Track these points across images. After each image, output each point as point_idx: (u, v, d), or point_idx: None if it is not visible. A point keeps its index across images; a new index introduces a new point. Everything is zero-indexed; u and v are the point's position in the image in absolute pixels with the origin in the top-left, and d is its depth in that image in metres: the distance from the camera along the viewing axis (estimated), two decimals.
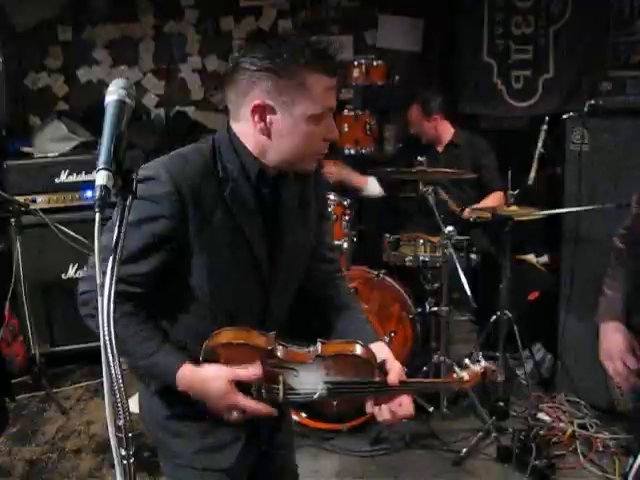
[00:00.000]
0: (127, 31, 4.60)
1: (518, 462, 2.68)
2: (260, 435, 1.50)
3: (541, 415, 3.04)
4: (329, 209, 3.17)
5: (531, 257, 3.96)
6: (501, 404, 2.94)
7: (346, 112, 3.83)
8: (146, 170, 1.27)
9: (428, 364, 3.08)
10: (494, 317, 3.06)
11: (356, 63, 3.88)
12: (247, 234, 1.34)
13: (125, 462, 0.91)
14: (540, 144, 2.98)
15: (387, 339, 2.90)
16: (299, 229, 1.45)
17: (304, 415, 2.88)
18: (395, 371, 1.40)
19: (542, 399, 3.18)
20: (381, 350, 1.44)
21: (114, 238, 0.91)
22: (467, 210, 3.28)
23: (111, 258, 0.89)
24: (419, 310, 3.28)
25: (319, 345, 1.36)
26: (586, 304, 2.77)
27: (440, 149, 3.68)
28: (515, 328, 3.01)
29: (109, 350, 0.86)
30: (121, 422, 0.89)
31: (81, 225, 3.27)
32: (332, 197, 3.22)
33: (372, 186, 3.68)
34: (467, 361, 1.48)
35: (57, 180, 3.64)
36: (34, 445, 3.02)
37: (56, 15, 4.47)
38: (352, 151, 3.81)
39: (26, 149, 3.90)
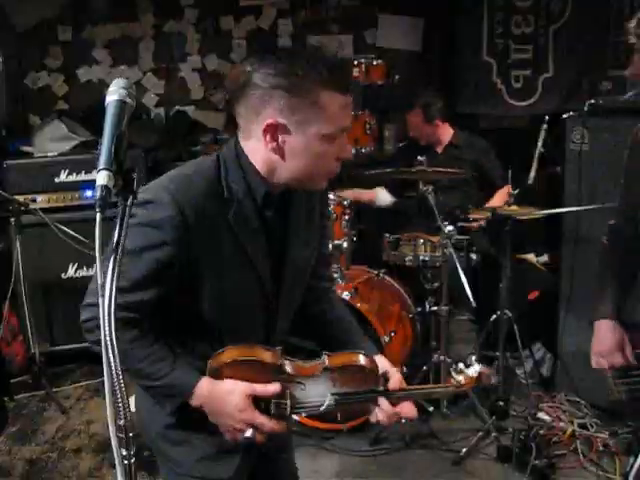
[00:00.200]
0: (127, 30, 4.60)
1: (518, 462, 2.67)
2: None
3: (541, 415, 3.04)
4: (329, 208, 3.17)
5: (531, 256, 3.96)
6: (501, 404, 2.94)
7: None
8: (146, 193, 1.22)
9: (428, 363, 3.08)
10: (494, 316, 3.06)
11: (356, 62, 3.87)
12: (250, 254, 1.31)
13: (126, 462, 0.91)
14: (540, 143, 2.99)
15: (387, 339, 2.90)
16: (303, 244, 1.42)
17: (303, 415, 2.87)
18: (396, 379, 1.40)
19: (542, 399, 3.18)
20: (380, 361, 1.43)
21: (114, 239, 0.91)
22: (474, 212, 3.28)
23: (112, 258, 0.89)
24: (419, 309, 3.28)
25: (325, 357, 1.35)
26: (586, 303, 2.75)
27: (439, 150, 3.68)
28: (515, 327, 3.01)
29: (110, 350, 0.86)
30: (122, 422, 0.89)
31: (81, 225, 3.28)
32: (332, 197, 3.22)
33: (382, 196, 3.74)
34: (461, 366, 1.48)
35: (57, 179, 3.64)
36: (34, 444, 3.02)
37: (56, 15, 4.46)
38: (352, 150, 3.80)
39: (26, 148, 3.89)
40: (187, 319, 1.34)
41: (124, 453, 0.91)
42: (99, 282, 0.88)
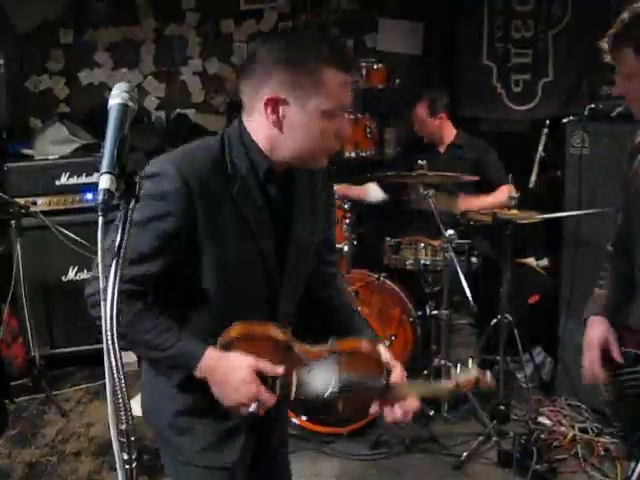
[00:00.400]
0: (128, 34, 4.61)
1: (519, 466, 2.67)
2: (261, 427, 1.49)
3: (542, 419, 3.04)
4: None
5: (531, 260, 3.96)
6: (502, 408, 2.94)
7: (346, 115, 3.82)
8: (152, 166, 1.27)
9: (428, 367, 3.08)
10: (494, 320, 3.06)
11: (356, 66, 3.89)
12: (252, 225, 1.33)
13: (128, 467, 0.90)
14: (541, 147, 2.99)
15: (387, 342, 2.90)
16: (308, 224, 1.44)
17: (304, 418, 2.87)
18: (398, 373, 1.42)
19: (543, 403, 3.18)
20: (384, 352, 1.44)
21: (117, 241, 0.91)
22: (460, 202, 3.27)
23: (114, 261, 0.89)
24: (419, 313, 3.28)
25: (334, 341, 1.36)
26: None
27: (442, 149, 3.68)
28: (515, 331, 3.01)
29: (112, 353, 0.86)
30: (124, 426, 0.88)
31: (81, 227, 3.28)
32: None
33: (373, 192, 3.69)
34: (459, 370, 1.49)
35: (58, 182, 3.64)
36: (34, 447, 3.01)
37: (57, 17, 4.47)
38: (352, 154, 3.81)
39: (27, 151, 3.89)
40: (190, 291, 1.35)
41: (126, 457, 0.90)
42: (101, 286, 0.88)
